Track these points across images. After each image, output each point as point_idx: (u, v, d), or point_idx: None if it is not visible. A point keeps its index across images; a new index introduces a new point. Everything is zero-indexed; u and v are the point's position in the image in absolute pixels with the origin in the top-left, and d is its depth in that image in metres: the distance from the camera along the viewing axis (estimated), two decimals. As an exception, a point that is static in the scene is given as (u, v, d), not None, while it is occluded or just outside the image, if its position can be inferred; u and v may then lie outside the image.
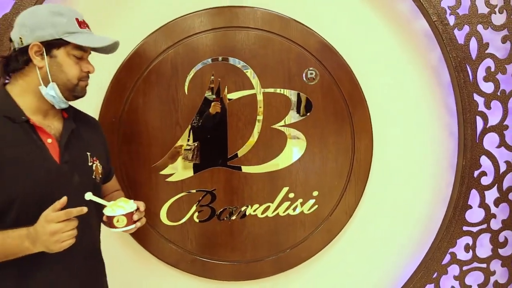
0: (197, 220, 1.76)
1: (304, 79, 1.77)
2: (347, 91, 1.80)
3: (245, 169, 1.76)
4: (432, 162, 1.98)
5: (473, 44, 1.83)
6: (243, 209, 1.78)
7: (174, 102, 1.69)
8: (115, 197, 1.29)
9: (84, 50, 1.21)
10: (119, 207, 1.18)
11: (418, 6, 1.78)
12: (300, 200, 1.82)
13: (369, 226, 1.94)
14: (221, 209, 1.77)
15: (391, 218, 1.96)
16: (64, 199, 1.06)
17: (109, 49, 1.26)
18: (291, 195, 1.81)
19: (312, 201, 1.82)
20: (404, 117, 1.93)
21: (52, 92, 1.17)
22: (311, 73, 1.77)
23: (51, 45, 1.15)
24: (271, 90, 1.75)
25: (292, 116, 1.77)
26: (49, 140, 1.18)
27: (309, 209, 1.82)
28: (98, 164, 1.28)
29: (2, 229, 1.07)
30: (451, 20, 1.80)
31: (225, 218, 1.78)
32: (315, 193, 1.82)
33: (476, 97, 1.86)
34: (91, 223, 1.25)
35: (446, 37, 1.78)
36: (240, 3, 1.72)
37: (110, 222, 1.18)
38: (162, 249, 1.77)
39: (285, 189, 1.80)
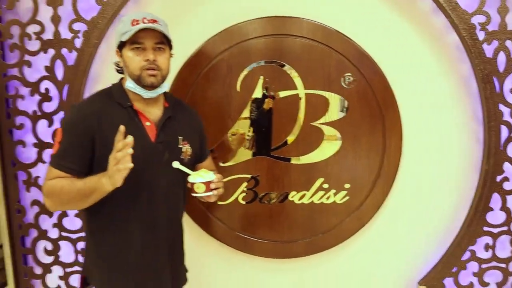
0: (242, 202, 2.00)
1: (342, 83, 1.97)
2: (381, 95, 1.98)
3: (286, 159, 1.99)
4: (459, 165, 2.11)
5: (502, 58, 1.98)
6: (282, 194, 2.00)
7: (227, 97, 1.94)
8: None
9: (138, 43, 1.37)
10: (199, 176, 1.41)
11: (451, 22, 1.94)
12: (333, 191, 2.01)
13: (396, 219, 2.11)
14: (263, 194, 2.00)
15: (416, 213, 2.11)
16: (128, 138, 1.23)
17: (161, 35, 1.39)
18: (325, 185, 2.01)
19: (344, 192, 2.02)
20: (434, 122, 2.07)
21: (130, 85, 1.41)
22: (349, 78, 1.98)
23: (119, 47, 1.42)
24: (313, 91, 1.97)
25: (330, 116, 1.98)
26: (148, 123, 1.43)
27: (341, 199, 2.02)
28: (188, 147, 1.49)
29: None
30: (481, 35, 1.95)
31: (265, 202, 2.01)
32: (347, 186, 2.02)
33: (502, 107, 1.99)
34: (177, 192, 1.49)
35: (475, 51, 1.93)
36: (289, 14, 1.94)
37: (191, 188, 1.41)
38: (211, 225, 2.02)
39: (320, 180, 2.00)
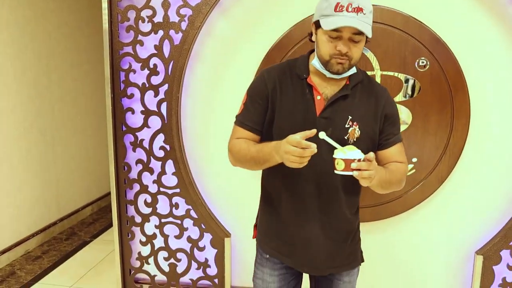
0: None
1: (416, 66, 2.15)
2: (452, 79, 2.13)
3: (360, 133, 2.21)
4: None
5: None
6: (354, 165, 2.23)
7: (310, 77, 2.18)
8: (390, 168, 1.42)
9: (337, 31, 1.29)
10: (341, 152, 1.24)
11: (526, 11, 2.06)
12: (401, 164, 2.22)
13: (458, 194, 2.28)
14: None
15: (479, 189, 2.27)
16: (311, 131, 1.22)
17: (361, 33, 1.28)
18: (394, 159, 2.22)
19: (411, 166, 2.22)
20: (501, 107, 2.18)
21: (316, 64, 1.40)
22: (423, 62, 2.15)
23: (316, 25, 1.38)
24: (388, 73, 2.16)
25: (403, 95, 2.18)
26: (318, 97, 1.40)
27: (407, 172, 2.22)
28: (357, 129, 1.39)
29: None
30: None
31: (339, 171, 2.25)
32: (414, 160, 2.21)
33: None
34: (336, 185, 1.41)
35: (548, 39, 2.05)
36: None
37: (333, 164, 1.26)
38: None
39: (390, 154, 2.22)
